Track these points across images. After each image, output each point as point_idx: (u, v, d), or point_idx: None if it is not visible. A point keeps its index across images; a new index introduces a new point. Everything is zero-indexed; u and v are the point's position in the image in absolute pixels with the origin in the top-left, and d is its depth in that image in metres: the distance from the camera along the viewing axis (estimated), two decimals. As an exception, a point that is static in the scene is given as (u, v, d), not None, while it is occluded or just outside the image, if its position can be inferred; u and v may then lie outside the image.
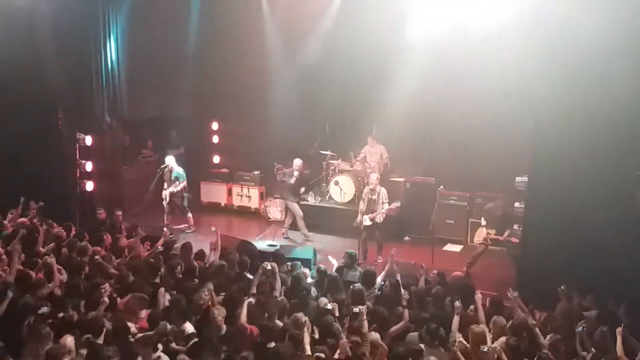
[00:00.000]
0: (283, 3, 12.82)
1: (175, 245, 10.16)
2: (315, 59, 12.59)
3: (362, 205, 10.52)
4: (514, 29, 9.26)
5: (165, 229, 10.56)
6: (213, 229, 9.14)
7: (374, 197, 10.38)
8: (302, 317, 6.40)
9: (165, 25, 12.91)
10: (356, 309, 6.48)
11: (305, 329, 6.17)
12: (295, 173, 11.71)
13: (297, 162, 11.80)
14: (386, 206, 10.27)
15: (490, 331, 6.53)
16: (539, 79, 8.44)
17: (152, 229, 10.39)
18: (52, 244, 8.79)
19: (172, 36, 13.10)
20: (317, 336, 6.38)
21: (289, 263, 8.77)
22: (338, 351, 5.94)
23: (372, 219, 10.32)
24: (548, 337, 6.41)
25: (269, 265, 7.70)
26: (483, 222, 10.04)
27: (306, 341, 6.06)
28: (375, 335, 6.28)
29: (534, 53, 8.53)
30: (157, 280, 7.76)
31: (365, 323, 6.41)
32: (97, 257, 8.08)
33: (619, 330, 6.19)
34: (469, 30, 10.80)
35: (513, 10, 9.24)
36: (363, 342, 6.13)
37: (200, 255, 8.85)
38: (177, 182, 11.74)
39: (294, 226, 11.83)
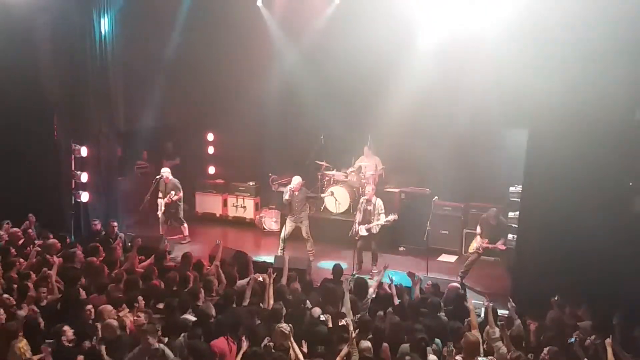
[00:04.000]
0: (278, 15, 12.90)
1: (173, 256, 10.19)
2: (311, 70, 12.66)
3: (358, 216, 10.56)
4: (508, 39, 9.37)
5: (166, 242, 10.54)
6: (218, 242, 9.18)
7: (370, 207, 10.42)
8: (285, 327, 6.32)
9: (161, 36, 12.98)
10: (342, 322, 6.49)
11: (291, 339, 6.19)
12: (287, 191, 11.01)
13: (295, 179, 11.05)
14: (382, 217, 10.30)
15: (484, 342, 6.53)
16: (533, 90, 8.51)
17: (148, 239, 10.36)
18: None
19: (168, 47, 13.16)
20: (305, 349, 6.37)
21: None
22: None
23: (368, 230, 10.36)
24: (545, 349, 6.37)
25: (260, 277, 7.69)
26: (478, 230, 10.08)
27: (297, 352, 6.09)
28: (366, 344, 6.28)
29: (528, 64, 8.61)
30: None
31: (352, 333, 6.42)
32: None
33: (608, 341, 6.18)
34: (464, 41, 10.87)
35: (507, 22, 9.33)
36: (353, 351, 6.12)
37: (199, 266, 8.76)
38: (173, 193, 11.74)
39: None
